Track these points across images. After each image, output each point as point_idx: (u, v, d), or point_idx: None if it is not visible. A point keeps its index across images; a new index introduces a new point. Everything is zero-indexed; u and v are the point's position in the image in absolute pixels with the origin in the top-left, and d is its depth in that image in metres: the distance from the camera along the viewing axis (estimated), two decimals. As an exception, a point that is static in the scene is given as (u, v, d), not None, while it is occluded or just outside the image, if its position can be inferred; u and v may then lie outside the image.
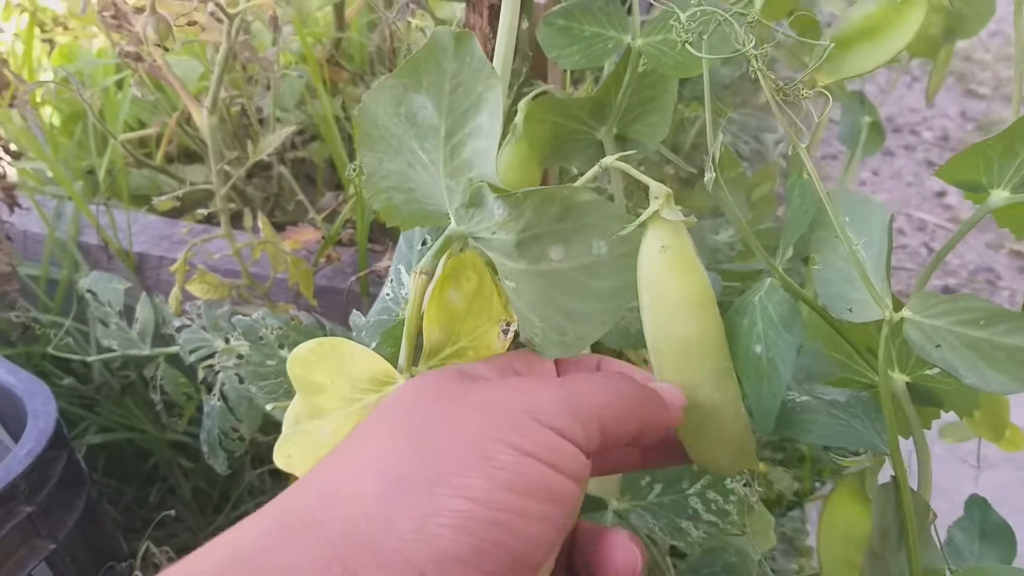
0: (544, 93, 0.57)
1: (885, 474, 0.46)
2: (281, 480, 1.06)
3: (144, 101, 1.10)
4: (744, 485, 0.69)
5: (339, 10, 0.94)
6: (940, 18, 0.79)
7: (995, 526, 0.59)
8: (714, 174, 0.39)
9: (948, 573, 0.47)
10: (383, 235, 0.89)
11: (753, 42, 0.39)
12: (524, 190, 0.36)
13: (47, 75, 1.17)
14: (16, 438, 0.71)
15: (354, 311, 0.54)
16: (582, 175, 0.41)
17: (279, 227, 0.85)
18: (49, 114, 1.14)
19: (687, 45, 0.41)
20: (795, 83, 0.41)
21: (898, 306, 0.39)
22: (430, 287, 0.47)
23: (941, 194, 1.79)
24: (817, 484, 1.10)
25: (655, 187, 0.38)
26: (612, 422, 0.34)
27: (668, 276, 0.38)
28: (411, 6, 0.68)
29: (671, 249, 0.37)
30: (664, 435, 0.37)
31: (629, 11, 0.55)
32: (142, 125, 1.14)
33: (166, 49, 0.61)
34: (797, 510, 1.07)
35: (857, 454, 0.56)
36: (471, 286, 0.42)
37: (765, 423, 0.43)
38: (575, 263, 0.38)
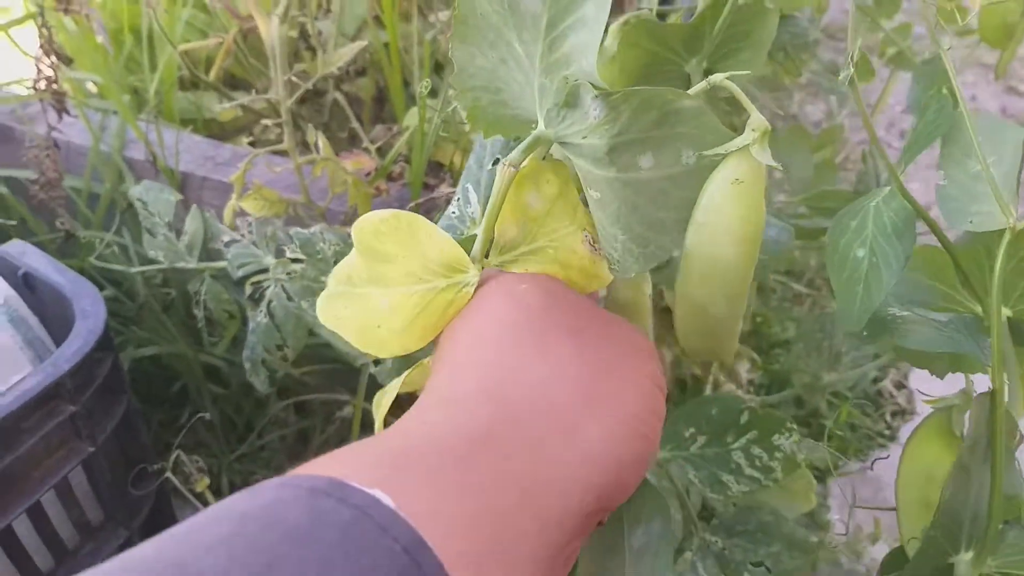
0: (639, 16, 0.56)
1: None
2: (306, 414, 1.05)
3: (194, 24, 1.09)
4: (792, 442, 0.69)
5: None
6: (1020, 6, 0.77)
7: None
8: (851, 71, 0.38)
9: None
10: (435, 173, 0.88)
11: None
12: (625, 89, 0.35)
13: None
14: (58, 340, 0.70)
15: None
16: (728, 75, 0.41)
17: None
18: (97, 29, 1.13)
19: None
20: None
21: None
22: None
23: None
24: (841, 460, 1.10)
25: (756, 118, 0.38)
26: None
27: (732, 208, 0.38)
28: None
29: (744, 184, 0.37)
30: None
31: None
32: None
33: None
34: (819, 486, 1.06)
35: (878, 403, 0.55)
36: (552, 190, 0.42)
37: (854, 325, 0.43)
38: (663, 172, 0.37)
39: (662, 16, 0.65)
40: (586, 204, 0.42)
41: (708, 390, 0.86)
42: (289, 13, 0.66)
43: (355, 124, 0.86)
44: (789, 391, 0.79)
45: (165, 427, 1.02)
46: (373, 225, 0.41)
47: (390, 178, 0.89)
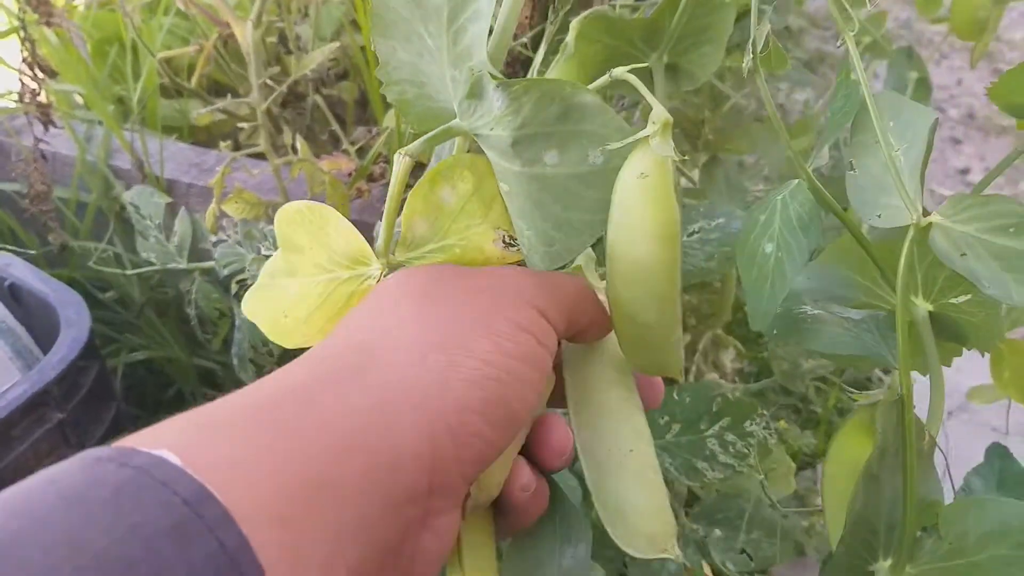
0: (598, 12, 0.56)
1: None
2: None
3: (176, 32, 1.10)
4: (763, 428, 0.69)
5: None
6: (989, 1, 0.78)
7: (1016, 475, 0.56)
8: (753, 56, 0.38)
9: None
10: (415, 173, 0.88)
11: None
12: (524, 80, 0.36)
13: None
14: (45, 350, 0.72)
15: (378, 222, 0.54)
16: (632, 105, 0.41)
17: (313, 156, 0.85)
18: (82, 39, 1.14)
19: None
20: None
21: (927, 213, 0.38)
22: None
23: (964, 171, 1.78)
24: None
25: (656, 112, 0.36)
26: (575, 311, 0.39)
27: (639, 203, 0.37)
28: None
29: (649, 178, 0.36)
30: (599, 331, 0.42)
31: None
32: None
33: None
34: (809, 470, 1.07)
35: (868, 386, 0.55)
36: (466, 186, 0.41)
37: (760, 324, 0.43)
38: (569, 170, 0.37)
39: (635, 10, 0.65)
40: None
41: (691, 379, 0.87)
42: (263, 18, 0.67)
43: (335, 126, 0.87)
44: (771, 379, 0.80)
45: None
46: (289, 215, 0.42)
47: (371, 179, 0.90)
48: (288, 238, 0.42)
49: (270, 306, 0.42)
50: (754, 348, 1.04)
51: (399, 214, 0.42)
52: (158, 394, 1.05)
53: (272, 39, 0.91)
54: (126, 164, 0.97)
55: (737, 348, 0.90)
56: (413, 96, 0.43)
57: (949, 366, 0.55)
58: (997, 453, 0.60)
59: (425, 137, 0.40)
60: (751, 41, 0.42)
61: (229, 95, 0.99)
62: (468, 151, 0.48)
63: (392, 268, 0.41)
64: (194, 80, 0.87)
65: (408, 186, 0.42)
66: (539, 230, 0.39)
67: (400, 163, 0.40)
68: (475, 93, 0.38)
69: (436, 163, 0.41)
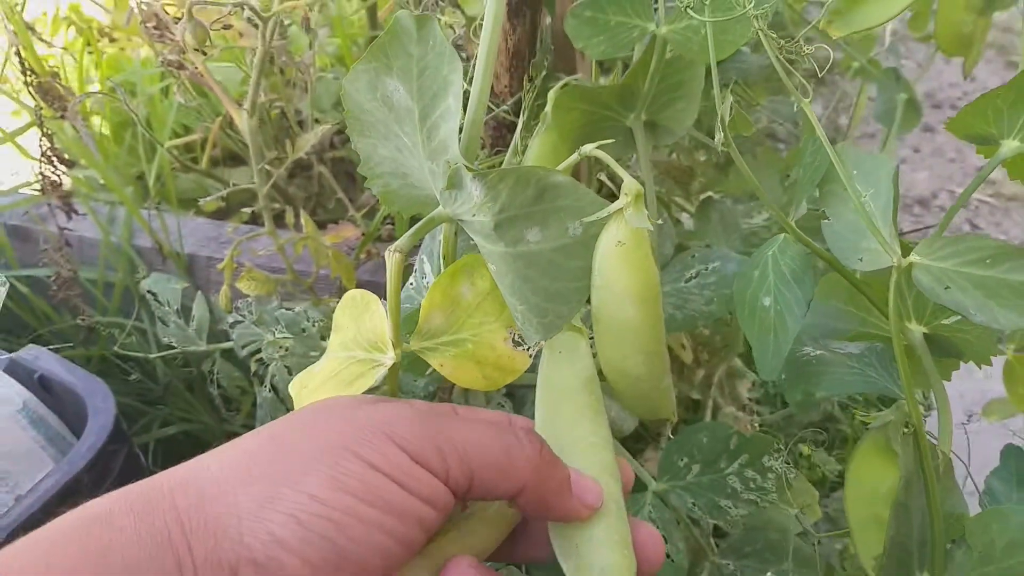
0: (571, 83, 0.58)
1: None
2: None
3: (189, 107, 1.14)
4: (783, 463, 0.70)
5: (372, 11, 0.96)
6: (972, 16, 0.78)
7: None
8: (725, 136, 0.40)
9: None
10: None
11: (753, 2, 0.40)
12: (498, 170, 0.38)
13: (95, 87, 1.21)
14: (77, 434, 0.75)
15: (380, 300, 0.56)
16: (616, 163, 0.43)
17: (321, 225, 0.88)
18: (99, 123, 1.19)
19: (690, 10, 0.42)
20: (795, 40, 0.42)
21: (907, 253, 0.40)
22: (426, 271, 0.49)
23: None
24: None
25: (627, 184, 0.39)
26: (482, 465, 0.34)
27: (619, 269, 0.39)
28: (440, 3, 0.70)
29: (626, 246, 0.39)
30: (560, 515, 0.37)
31: (656, -1, 0.56)
32: (188, 130, 1.18)
33: (205, 54, 0.63)
34: (840, 491, 1.06)
35: (882, 408, 0.57)
36: (484, 284, 0.43)
37: (769, 374, 0.45)
38: (552, 244, 0.39)
39: (607, 70, 0.67)
40: None
41: (708, 412, 0.88)
42: (257, 106, 0.70)
43: (340, 195, 0.90)
44: (781, 412, 0.80)
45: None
46: (345, 301, 0.45)
47: (380, 239, 0.92)
48: (338, 320, 0.44)
49: (302, 380, 0.44)
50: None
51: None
52: (196, 455, 1.08)
53: (276, 113, 0.94)
54: (148, 243, 1.00)
55: (753, 379, 0.91)
56: (398, 186, 0.46)
57: (949, 380, 0.56)
58: (1013, 454, 0.61)
59: (412, 230, 0.42)
60: (719, 118, 0.44)
61: (244, 166, 1.03)
62: (455, 233, 0.51)
63: (406, 356, 0.43)
64: (204, 161, 0.90)
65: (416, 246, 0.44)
66: (531, 304, 0.41)
67: (392, 260, 0.42)
68: (454, 184, 0.40)
69: (421, 223, 0.43)
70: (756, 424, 0.86)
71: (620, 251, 0.39)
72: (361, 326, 0.43)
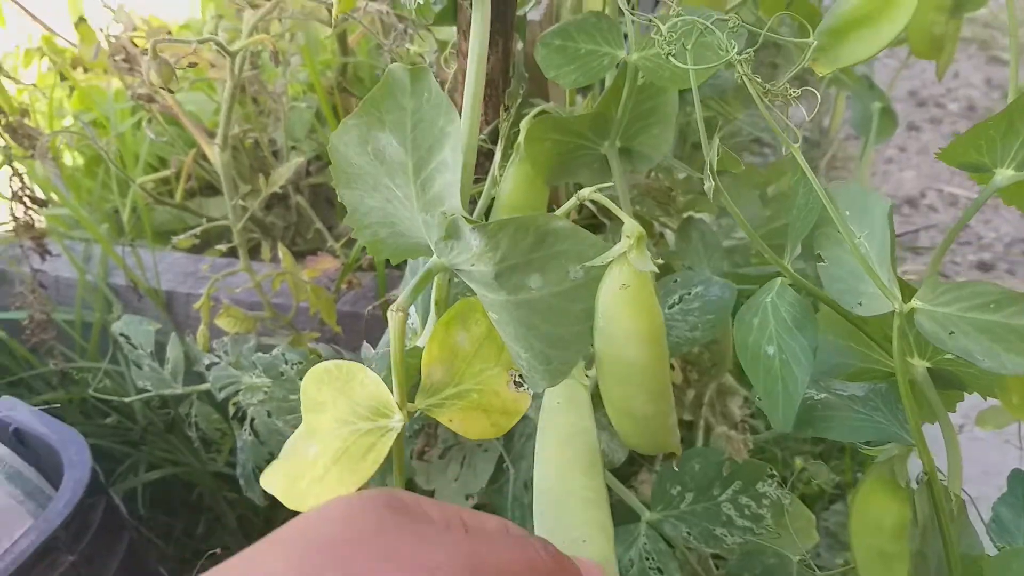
0: (543, 112, 0.57)
1: (914, 460, 0.46)
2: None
3: (162, 141, 1.13)
4: (777, 486, 0.68)
5: (342, 38, 0.95)
6: (943, 17, 0.77)
7: None
8: (712, 183, 0.39)
9: (996, 551, 0.47)
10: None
11: (736, 48, 0.39)
12: (497, 220, 0.37)
13: (69, 119, 1.20)
14: (55, 485, 0.73)
15: (364, 344, 0.55)
16: (595, 188, 0.42)
17: (300, 255, 0.86)
18: (71, 159, 1.17)
19: (671, 57, 0.41)
20: (781, 84, 0.40)
21: (907, 295, 0.40)
22: (429, 323, 0.48)
23: (971, 166, 1.74)
24: (859, 475, 1.09)
25: (628, 226, 0.39)
26: None
27: (624, 311, 0.40)
28: (409, 32, 0.69)
29: (631, 288, 0.39)
30: None
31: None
32: (163, 162, 1.16)
33: (171, 91, 0.62)
34: (840, 503, 1.05)
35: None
36: (479, 330, 0.43)
37: (782, 424, 0.44)
38: (553, 289, 0.39)
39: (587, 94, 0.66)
40: None
41: (700, 434, 0.86)
42: (228, 139, 0.69)
43: (319, 225, 0.89)
44: (775, 430, 0.79)
45: (189, 534, 1.05)
46: (317, 375, 0.43)
47: (361, 268, 0.91)
48: (312, 398, 0.42)
49: (288, 474, 0.41)
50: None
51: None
52: (185, 496, 1.06)
53: (250, 143, 0.92)
54: (125, 281, 0.99)
55: (746, 397, 0.89)
56: (386, 235, 0.44)
57: (954, 411, 0.55)
58: (1020, 480, 0.60)
59: (411, 285, 0.41)
60: (707, 163, 0.42)
61: (221, 196, 1.01)
62: (450, 280, 0.50)
63: (412, 417, 0.42)
64: (178, 194, 0.89)
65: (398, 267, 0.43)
66: (535, 351, 0.40)
67: (395, 320, 0.40)
68: (451, 235, 0.39)
69: (418, 276, 0.42)
70: (750, 443, 0.84)
71: (624, 294, 0.39)
72: (354, 396, 0.41)
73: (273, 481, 0.42)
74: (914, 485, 0.46)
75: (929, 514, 0.42)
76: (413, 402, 0.42)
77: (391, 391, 0.41)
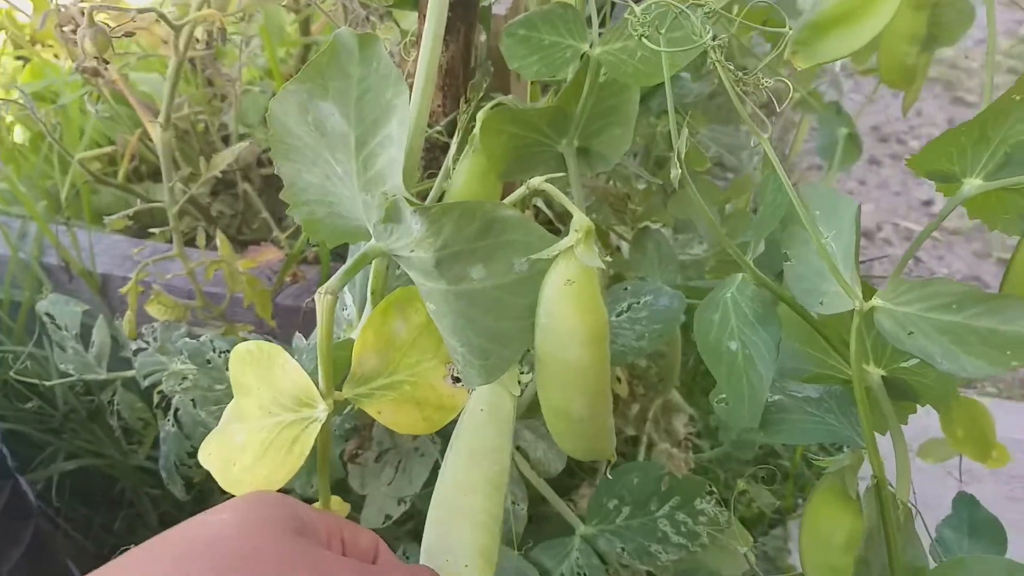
0: (501, 104, 0.55)
1: (865, 472, 0.45)
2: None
3: (105, 118, 1.09)
4: (715, 504, 0.67)
5: (305, 23, 0.92)
6: (915, 49, 0.78)
7: (984, 522, 0.58)
8: (680, 170, 0.37)
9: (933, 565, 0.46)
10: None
11: (711, 34, 0.38)
12: (441, 204, 0.35)
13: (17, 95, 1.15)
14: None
15: (296, 334, 0.52)
16: (547, 178, 0.40)
17: (244, 245, 0.83)
18: (22, 134, 1.12)
19: (644, 39, 0.39)
20: (753, 72, 0.39)
21: (869, 295, 0.39)
22: (365, 314, 0.46)
23: (928, 203, 1.77)
24: (800, 500, 1.08)
25: (577, 220, 0.37)
26: None
27: (568, 308, 0.38)
28: (370, 19, 0.66)
29: (576, 284, 0.37)
30: None
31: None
32: (111, 142, 1.12)
33: (107, 63, 0.59)
34: (779, 528, 1.04)
35: (836, 453, 0.55)
36: (419, 318, 0.41)
37: (748, 420, 0.43)
38: (496, 281, 0.37)
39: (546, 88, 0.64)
40: None
41: (642, 449, 0.84)
42: (171, 119, 0.66)
43: (265, 214, 0.86)
44: (719, 449, 0.78)
45: (107, 530, 1.00)
46: (240, 355, 0.41)
47: (306, 261, 0.88)
48: (239, 380, 0.41)
49: (222, 453, 0.40)
50: (708, 405, 1.01)
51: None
52: (106, 490, 1.02)
53: (201, 126, 0.89)
54: (59, 260, 0.94)
55: (691, 415, 0.88)
56: (323, 215, 0.42)
57: (906, 423, 0.55)
58: (964, 502, 0.61)
59: (344, 269, 0.40)
60: (675, 153, 0.41)
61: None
62: (388, 268, 0.48)
63: (339, 408, 0.40)
64: (121, 174, 0.85)
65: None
66: (473, 345, 0.38)
67: (323, 302, 0.38)
68: (392, 217, 0.37)
69: (352, 259, 0.40)
70: (691, 462, 0.83)
71: (569, 290, 0.37)
72: (276, 384, 0.40)
73: (209, 458, 0.41)
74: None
75: (876, 521, 0.41)
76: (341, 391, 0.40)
77: (318, 381, 0.39)
